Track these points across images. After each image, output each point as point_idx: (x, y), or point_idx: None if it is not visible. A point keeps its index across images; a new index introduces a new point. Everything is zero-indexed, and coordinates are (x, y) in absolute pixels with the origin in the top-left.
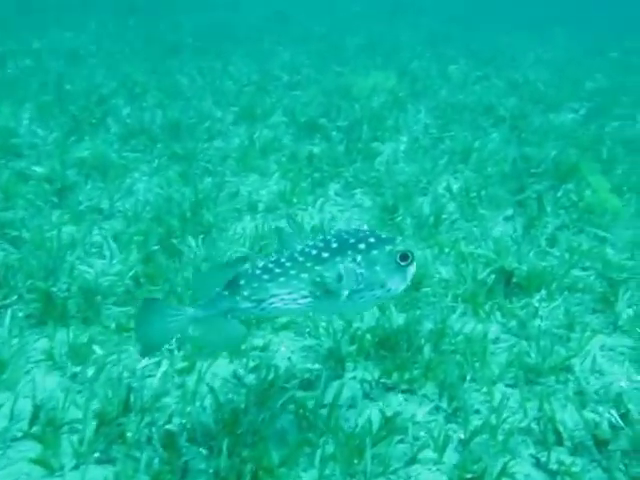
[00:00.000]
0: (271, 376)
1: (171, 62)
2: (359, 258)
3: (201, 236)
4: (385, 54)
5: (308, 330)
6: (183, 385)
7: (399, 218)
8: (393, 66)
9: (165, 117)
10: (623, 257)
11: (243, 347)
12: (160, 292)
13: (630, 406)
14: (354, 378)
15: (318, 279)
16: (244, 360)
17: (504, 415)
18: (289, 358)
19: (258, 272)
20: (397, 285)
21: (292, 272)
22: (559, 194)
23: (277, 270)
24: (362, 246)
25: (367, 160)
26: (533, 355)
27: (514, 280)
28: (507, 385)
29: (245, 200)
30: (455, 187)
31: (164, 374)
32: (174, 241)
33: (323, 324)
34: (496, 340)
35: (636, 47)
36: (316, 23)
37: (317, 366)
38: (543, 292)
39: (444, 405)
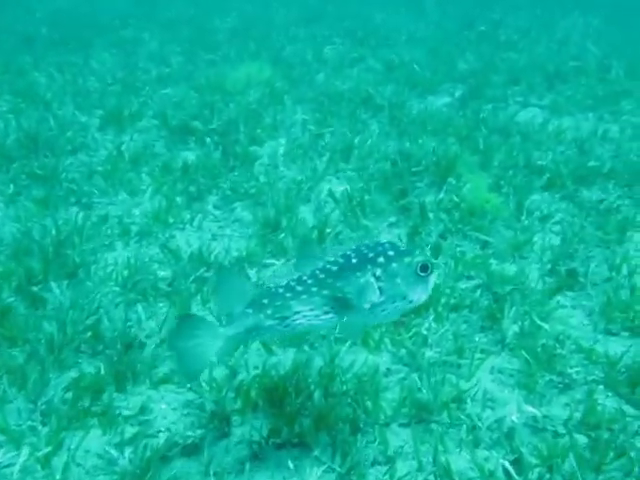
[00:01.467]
0: (149, 450)
1: (23, 58)
2: (379, 272)
3: (66, 281)
4: (259, 38)
5: (189, 386)
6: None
7: (282, 235)
8: (267, 53)
9: (20, 127)
10: (506, 265)
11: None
12: (20, 355)
13: (522, 449)
14: (241, 437)
15: (339, 295)
16: (119, 429)
17: (399, 471)
18: (169, 419)
19: (281, 290)
20: (419, 296)
21: (313, 289)
22: (441, 195)
23: (299, 288)
24: (381, 260)
25: (246, 166)
26: (425, 390)
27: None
28: (401, 425)
29: (116, 224)
30: (338, 192)
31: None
32: (35, 288)
33: (204, 376)
34: (387, 372)
35: (503, 19)
36: (183, 3)
37: (200, 431)
38: (431, 312)
39: (337, 465)
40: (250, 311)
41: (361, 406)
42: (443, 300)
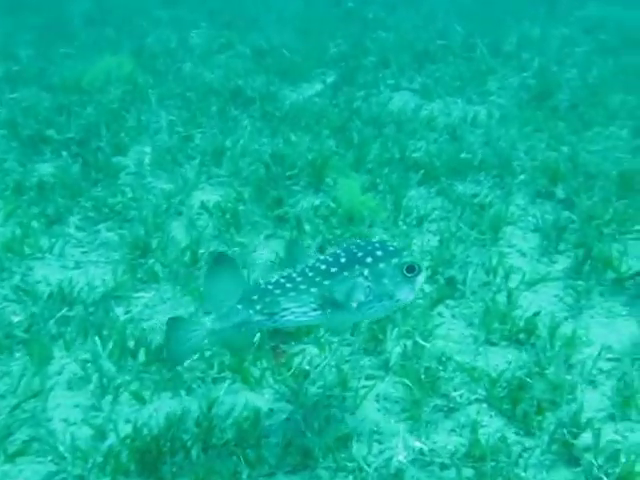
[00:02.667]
0: None
1: None
2: (366, 272)
3: None
4: (118, 24)
5: (50, 458)
6: None
7: (151, 260)
8: (129, 41)
9: None
10: None
11: None
12: None
13: None
14: None
15: (327, 293)
16: None
17: None
18: None
19: (270, 287)
20: (405, 295)
21: (302, 287)
22: (317, 202)
23: (288, 285)
24: (369, 260)
25: (110, 179)
26: (309, 434)
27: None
28: (287, 473)
29: None
30: (211, 203)
31: None
32: None
33: (66, 443)
34: (270, 413)
35: None
36: None
37: None
38: (313, 338)
39: None
40: (240, 307)
41: (243, 457)
42: None
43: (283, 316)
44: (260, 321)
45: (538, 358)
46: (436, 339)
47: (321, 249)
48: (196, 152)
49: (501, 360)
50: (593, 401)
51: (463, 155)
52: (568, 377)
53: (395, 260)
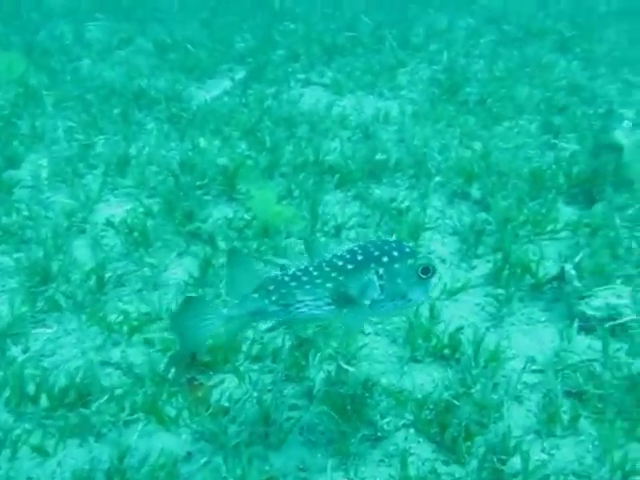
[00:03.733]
0: None
1: None
2: (381, 271)
3: None
4: (5, 17)
5: None
6: None
7: (52, 287)
8: (18, 37)
9: None
10: None
11: None
12: None
13: None
14: None
15: (341, 289)
16: None
17: None
18: None
19: (287, 279)
20: (418, 296)
21: (318, 281)
22: (230, 214)
23: (304, 278)
24: (385, 259)
25: (1, 196)
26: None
27: (200, 358)
28: None
29: None
30: (118, 218)
31: None
32: None
33: None
34: (189, 457)
35: None
36: None
37: None
38: (232, 368)
39: None
40: (256, 296)
41: None
42: (244, 348)
43: (297, 308)
44: (275, 311)
45: (463, 376)
46: (360, 361)
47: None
48: (98, 161)
49: (427, 379)
50: (519, 418)
51: (378, 156)
52: (494, 396)
53: (411, 261)
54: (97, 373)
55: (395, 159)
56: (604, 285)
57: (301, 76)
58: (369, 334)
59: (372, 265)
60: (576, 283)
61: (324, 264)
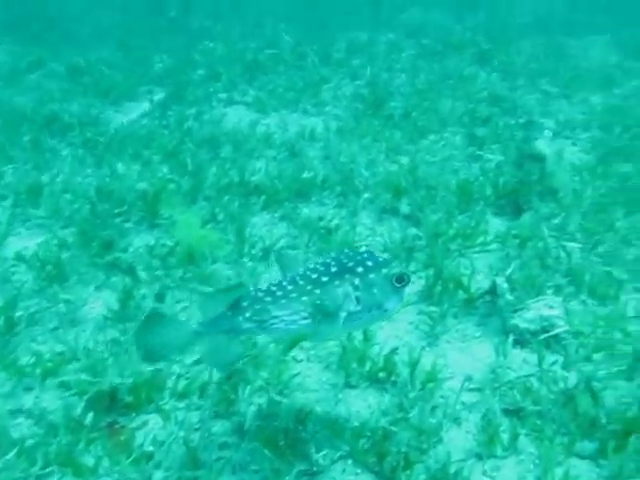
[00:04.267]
0: None
1: None
2: (357, 282)
3: None
4: None
5: None
6: None
7: None
8: None
9: None
10: None
11: None
12: None
13: None
14: None
15: (317, 302)
16: None
17: None
18: None
19: (260, 294)
20: (393, 305)
21: (293, 295)
22: (152, 241)
23: (278, 293)
24: (360, 270)
25: None
26: None
27: (121, 399)
28: None
29: None
30: (29, 253)
31: None
32: None
33: None
34: None
35: (192, 2)
36: None
37: None
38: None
39: None
40: (229, 313)
41: None
42: (169, 385)
43: (273, 324)
44: (249, 328)
45: (400, 401)
46: (293, 391)
47: (159, 297)
48: (8, 191)
49: (363, 405)
50: (459, 441)
51: (305, 174)
52: (432, 420)
53: (385, 270)
54: (5, 424)
55: (322, 177)
56: (536, 297)
57: (223, 95)
58: (301, 361)
59: (347, 276)
60: (508, 296)
61: (298, 278)
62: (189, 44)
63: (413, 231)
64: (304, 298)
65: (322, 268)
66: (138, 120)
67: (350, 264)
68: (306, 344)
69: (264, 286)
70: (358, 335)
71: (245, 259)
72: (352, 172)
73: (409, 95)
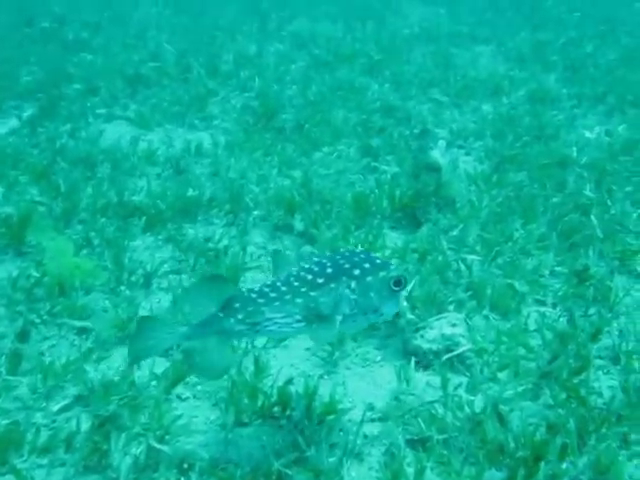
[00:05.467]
0: None
1: None
2: (353, 284)
3: None
4: None
5: None
6: None
7: None
8: None
9: None
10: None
11: None
12: None
13: None
14: None
15: (312, 305)
16: None
17: None
18: None
19: (253, 295)
20: (389, 309)
21: (287, 297)
22: (15, 272)
23: (272, 294)
24: (357, 272)
25: None
26: None
27: None
28: None
29: None
30: None
31: None
32: None
33: None
34: None
35: (68, 14)
36: None
37: None
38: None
39: None
40: (221, 315)
41: None
42: (29, 438)
43: (266, 326)
44: (241, 331)
45: (295, 438)
46: (176, 436)
47: (22, 335)
48: None
49: (256, 445)
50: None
51: (190, 193)
52: (332, 458)
53: (383, 273)
54: None
55: (209, 194)
56: (437, 314)
57: (102, 111)
58: (187, 399)
59: (344, 278)
60: (409, 315)
61: (292, 279)
62: (63, 56)
63: (308, 249)
64: (298, 300)
65: (317, 269)
66: (4, 138)
67: (346, 265)
68: (192, 379)
69: (257, 287)
70: (249, 366)
71: (123, 287)
72: (242, 188)
73: (301, 107)
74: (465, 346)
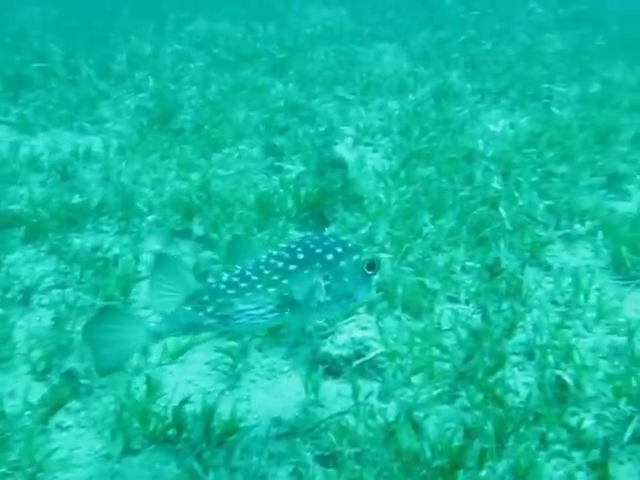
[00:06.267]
0: None
1: None
2: (326, 270)
3: None
4: None
5: None
6: None
7: None
8: None
9: None
10: None
11: None
12: None
13: None
14: None
15: (286, 293)
16: None
17: None
18: None
19: (222, 287)
20: (363, 294)
21: (258, 286)
22: None
23: (243, 284)
24: (330, 257)
25: None
26: None
27: None
28: None
29: None
30: None
31: None
32: None
33: None
34: None
35: None
36: None
37: None
38: None
39: None
40: (188, 309)
41: None
42: None
43: (237, 319)
44: (211, 324)
45: (190, 465)
46: (52, 472)
47: None
48: None
49: (147, 475)
50: None
51: (77, 199)
52: None
53: (356, 257)
54: None
55: (99, 200)
56: (347, 317)
57: None
58: (68, 428)
59: (317, 264)
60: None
61: (262, 266)
62: None
63: (208, 254)
64: (271, 289)
65: (288, 255)
66: None
67: (318, 250)
68: (74, 405)
69: (225, 277)
70: (141, 386)
71: None
72: (134, 193)
73: (200, 107)
74: (377, 350)
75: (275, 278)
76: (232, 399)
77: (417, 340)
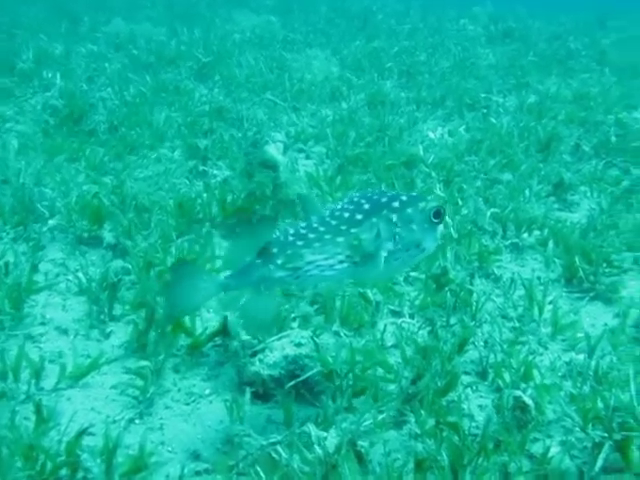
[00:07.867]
0: None
1: None
2: (395, 217)
3: None
4: None
5: None
6: None
7: None
8: None
9: None
10: None
11: None
12: None
13: None
14: None
15: (355, 242)
16: None
17: None
18: None
19: (291, 239)
20: (430, 244)
21: (327, 237)
22: None
23: (311, 235)
24: (396, 204)
25: None
26: None
27: None
28: None
29: None
30: None
31: None
32: None
33: None
34: None
35: None
36: None
37: None
38: None
39: None
40: (259, 261)
41: None
42: None
43: (307, 271)
44: (282, 277)
45: None
46: None
47: None
48: None
49: None
50: None
51: None
52: None
53: (422, 204)
54: None
55: None
56: (278, 332)
57: None
58: None
59: (384, 212)
60: (244, 336)
61: (328, 218)
62: None
63: (119, 263)
64: (340, 239)
65: (352, 207)
66: None
67: (383, 199)
68: None
69: (292, 229)
70: (30, 416)
71: None
72: (35, 195)
73: (116, 108)
74: (313, 369)
75: (343, 228)
76: (142, 429)
77: (358, 358)
